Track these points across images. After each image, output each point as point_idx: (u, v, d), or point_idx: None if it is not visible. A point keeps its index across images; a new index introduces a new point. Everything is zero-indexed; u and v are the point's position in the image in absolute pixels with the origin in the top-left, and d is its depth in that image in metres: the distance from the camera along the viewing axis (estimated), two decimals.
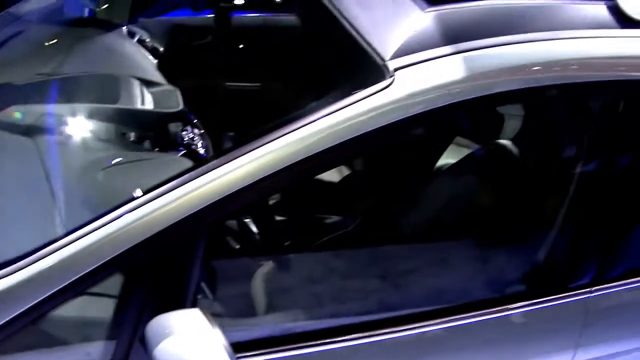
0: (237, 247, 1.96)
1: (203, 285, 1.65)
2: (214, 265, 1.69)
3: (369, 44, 1.43)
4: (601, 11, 1.59)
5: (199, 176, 1.30)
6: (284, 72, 2.61)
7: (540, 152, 1.95)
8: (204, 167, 1.31)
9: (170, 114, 2.03)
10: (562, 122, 1.84)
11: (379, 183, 2.27)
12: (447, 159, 2.31)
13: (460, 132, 2.32)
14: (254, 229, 2.03)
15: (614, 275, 1.74)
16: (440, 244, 1.90)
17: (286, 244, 2.11)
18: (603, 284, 1.72)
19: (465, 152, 2.18)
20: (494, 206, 1.96)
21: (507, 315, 1.67)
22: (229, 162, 1.30)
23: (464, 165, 2.04)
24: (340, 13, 1.53)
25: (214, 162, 1.31)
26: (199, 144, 2.11)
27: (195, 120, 2.18)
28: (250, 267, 1.85)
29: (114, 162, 1.80)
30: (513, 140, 2.03)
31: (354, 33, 1.47)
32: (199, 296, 1.60)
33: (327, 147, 1.31)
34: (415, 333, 1.61)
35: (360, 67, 1.42)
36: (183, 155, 1.94)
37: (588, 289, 1.72)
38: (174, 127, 2.08)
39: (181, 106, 2.06)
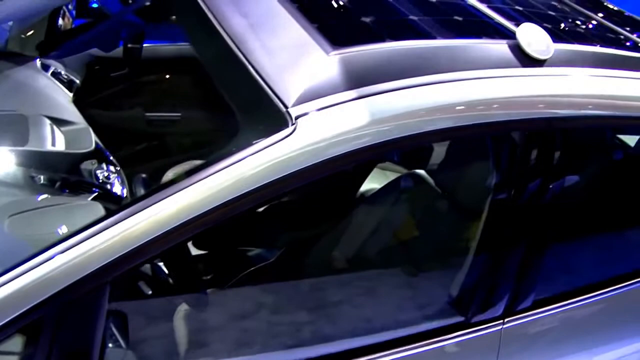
0: (151, 291, 1.93)
1: (116, 333, 1.61)
2: (127, 311, 1.66)
3: (273, 90, 1.41)
4: (504, 50, 1.62)
5: (105, 229, 1.27)
6: (198, 107, 2.59)
7: (452, 185, 1.98)
8: (110, 220, 1.29)
9: (82, 154, 1.99)
10: (472, 159, 1.87)
11: (296, 215, 2.27)
12: (366, 186, 2.34)
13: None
14: (168, 270, 2.00)
15: (525, 307, 1.78)
16: (350, 276, 1.92)
17: (204, 280, 2.09)
18: (514, 315, 1.76)
19: (383, 181, 2.20)
20: (409, 237, 1.99)
21: (423, 351, 1.69)
22: (135, 214, 1.28)
23: (379, 196, 2.06)
24: (245, 56, 1.52)
25: (121, 213, 1.29)
26: (115, 182, 2.07)
27: (111, 157, 2.15)
28: (167, 309, 1.83)
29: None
30: (429, 171, 2.07)
31: (258, 78, 1.46)
32: (111, 346, 1.57)
33: (232, 197, 1.31)
34: None
35: (265, 114, 1.41)
36: (97, 196, 1.91)
37: (501, 321, 1.75)
38: (87, 166, 2.04)
39: (94, 145, 2.02)
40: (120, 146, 2.48)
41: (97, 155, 2.09)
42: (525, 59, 1.63)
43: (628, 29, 2.20)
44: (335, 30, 1.59)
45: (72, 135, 2.05)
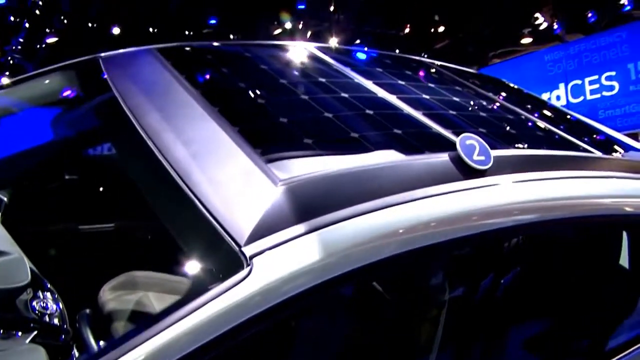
0: None
1: None
2: None
3: (223, 227, 1.37)
4: (447, 164, 1.64)
5: None
6: (132, 216, 2.51)
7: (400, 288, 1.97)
8: None
9: (17, 288, 1.88)
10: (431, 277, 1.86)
11: None
12: None
13: None
14: None
15: None
16: None
17: None
18: None
19: None
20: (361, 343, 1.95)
21: None
22: None
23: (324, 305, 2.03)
24: (191, 190, 1.47)
25: None
26: (54, 309, 1.97)
27: (48, 285, 2.04)
28: None
29: None
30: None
31: (206, 214, 1.42)
32: None
33: (189, 350, 1.25)
34: None
35: (216, 254, 1.37)
36: (37, 333, 1.80)
37: None
38: (23, 296, 1.93)
39: (29, 277, 1.92)
40: (55, 264, 2.37)
41: (33, 282, 1.98)
42: (467, 171, 1.65)
43: (556, 124, 2.29)
44: (279, 155, 1.57)
45: (4, 267, 1.93)
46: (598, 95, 11.64)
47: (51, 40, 10.38)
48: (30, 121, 2.58)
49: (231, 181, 1.51)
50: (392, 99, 2.03)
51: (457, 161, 1.66)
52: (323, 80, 2.10)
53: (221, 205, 1.43)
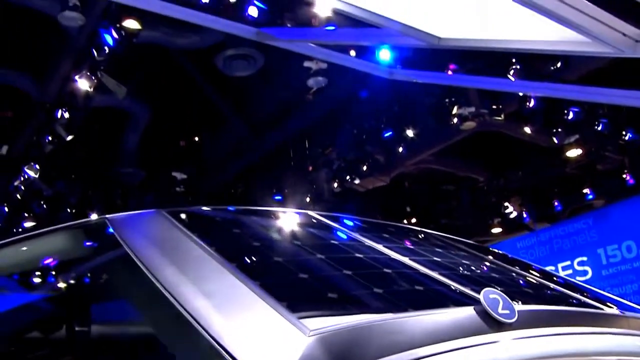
0: None
1: None
2: None
3: None
4: (473, 317, 1.61)
5: None
6: None
7: None
8: None
9: None
10: None
11: None
12: None
13: None
14: None
15: None
16: None
17: None
18: None
19: None
20: None
21: None
22: None
23: None
24: (218, 343, 1.41)
25: None
26: None
27: None
28: None
29: None
30: None
31: None
32: None
33: None
34: None
35: None
36: None
37: None
38: None
39: None
40: None
41: None
42: (494, 324, 1.62)
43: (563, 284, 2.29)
44: (305, 307, 1.54)
45: None
46: None
47: (28, 224, 10.40)
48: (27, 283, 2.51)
49: (257, 332, 1.45)
50: (406, 260, 2.03)
51: (483, 315, 1.63)
52: (335, 242, 2.11)
53: (250, 356, 1.37)
